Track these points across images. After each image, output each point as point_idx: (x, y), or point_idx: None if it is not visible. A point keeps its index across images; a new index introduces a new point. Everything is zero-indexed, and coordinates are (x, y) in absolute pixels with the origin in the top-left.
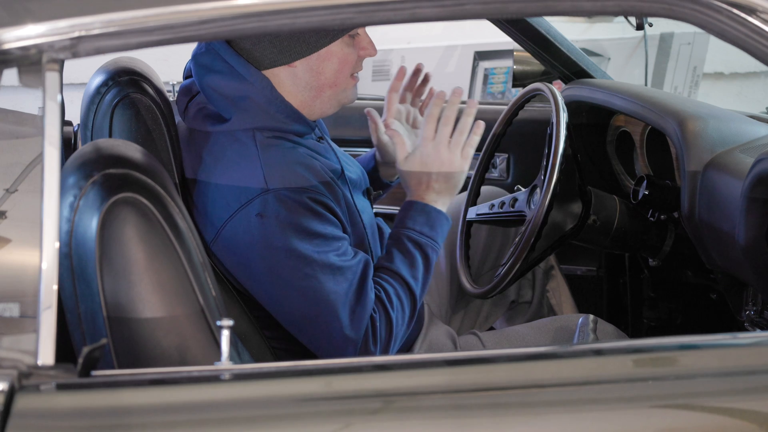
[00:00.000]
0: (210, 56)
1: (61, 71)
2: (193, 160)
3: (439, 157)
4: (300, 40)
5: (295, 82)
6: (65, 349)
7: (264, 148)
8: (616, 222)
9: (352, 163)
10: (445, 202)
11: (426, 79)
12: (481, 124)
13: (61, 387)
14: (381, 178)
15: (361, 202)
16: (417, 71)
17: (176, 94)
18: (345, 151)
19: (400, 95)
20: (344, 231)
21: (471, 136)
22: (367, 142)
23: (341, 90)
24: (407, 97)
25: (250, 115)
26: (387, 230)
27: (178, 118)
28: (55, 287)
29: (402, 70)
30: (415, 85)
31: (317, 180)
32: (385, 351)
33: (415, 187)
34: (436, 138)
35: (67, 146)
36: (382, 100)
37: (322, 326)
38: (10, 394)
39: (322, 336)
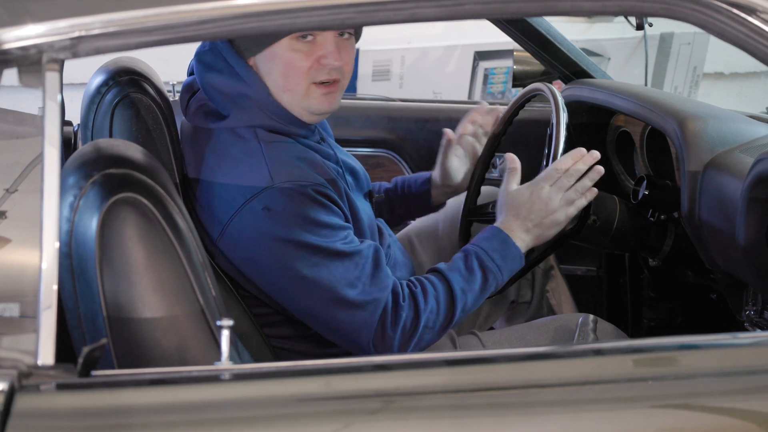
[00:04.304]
0: (212, 55)
1: (61, 71)
2: (197, 158)
3: (549, 203)
4: (249, 39)
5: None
6: (65, 349)
7: (267, 144)
8: (616, 222)
9: (354, 164)
10: (528, 244)
11: (496, 120)
12: (594, 190)
13: (61, 387)
14: (431, 199)
15: (362, 204)
16: (495, 114)
17: (176, 94)
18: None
19: (474, 128)
20: (347, 222)
21: (581, 199)
22: (367, 142)
23: (301, 96)
24: (477, 131)
25: (248, 113)
26: (387, 231)
27: (181, 117)
28: (55, 287)
29: (484, 106)
30: (489, 123)
31: (320, 173)
32: (406, 345)
33: (510, 218)
34: (555, 185)
35: (67, 146)
36: (382, 100)
37: (336, 311)
38: (10, 394)
39: (336, 322)
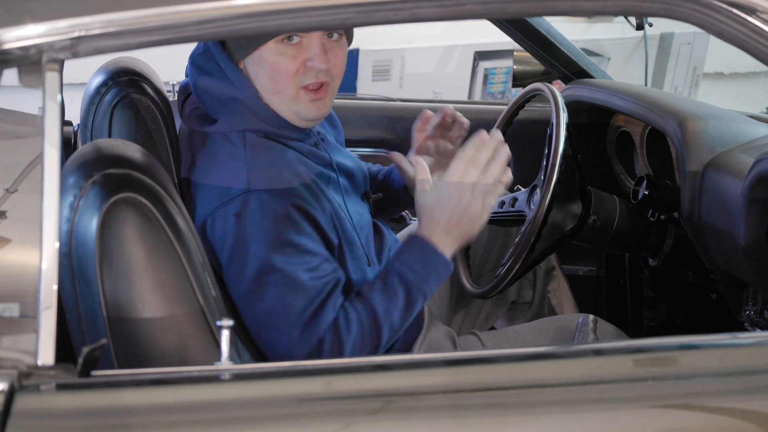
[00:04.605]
0: (205, 58)
1: (61, 71)
2: (190, 159)
3: (461, 198)
4: (236, 42)
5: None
6: (65, 349)
7: (252, 149)
8: (616, 222)
9: (351, 166)
10: (452, 246)
11: (455, 120)
12: (509, 175)
13: (61, 387)
14: (411, 201)
15: (356, 207)
16: (445, 116)
17: (176, 94)
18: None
19: (427, 134)
20: (327, 243)
21: (497, 186)
22: (366, 142)
23: (290, 100)
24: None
25: (237, 117)
26: (386, 231)
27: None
28: (55, 287)
29: (426, 114)
30: (444, 123)
31: (302, 186)
32: None
33: (426, 223)
34: (463, 178)
35: (67, 146)
36: (382, 100)
37: (272, 335)
38: (10, 394)
39: (270, 344)
